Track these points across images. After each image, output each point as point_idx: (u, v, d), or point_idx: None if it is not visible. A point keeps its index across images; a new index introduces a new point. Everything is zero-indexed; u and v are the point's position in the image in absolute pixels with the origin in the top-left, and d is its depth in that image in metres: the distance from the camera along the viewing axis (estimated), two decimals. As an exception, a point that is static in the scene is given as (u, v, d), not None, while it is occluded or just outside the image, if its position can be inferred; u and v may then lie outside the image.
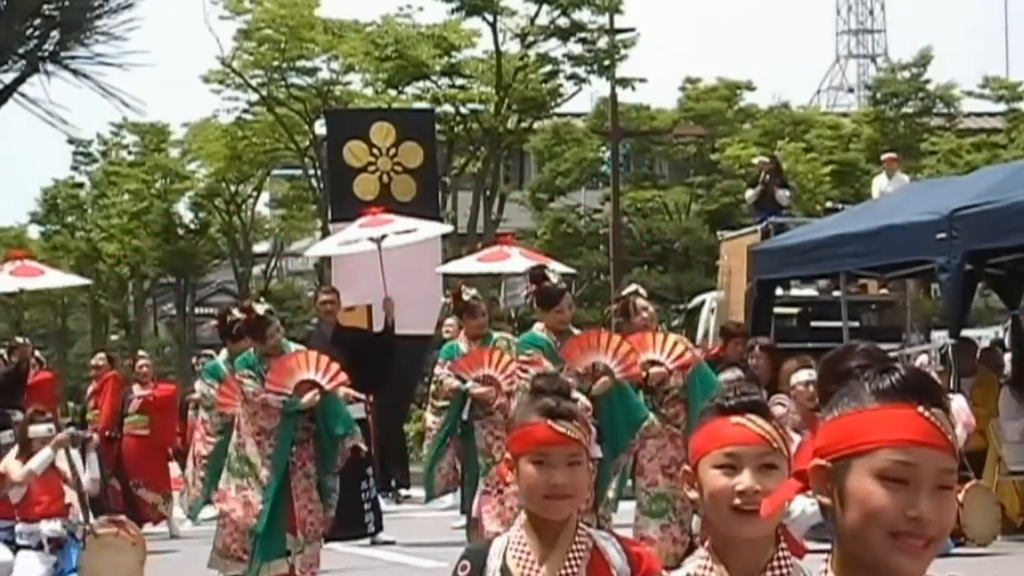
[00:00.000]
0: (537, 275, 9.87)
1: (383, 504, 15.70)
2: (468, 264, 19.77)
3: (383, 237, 15.82)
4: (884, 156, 24.03)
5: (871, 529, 2.24)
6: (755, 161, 26.23)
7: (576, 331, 9.87)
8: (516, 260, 18.05)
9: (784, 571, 2.80)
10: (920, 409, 2.26)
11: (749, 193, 22.90)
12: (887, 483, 2.24)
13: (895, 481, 2.24)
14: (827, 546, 2.37)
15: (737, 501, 2.77)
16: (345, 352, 11.38)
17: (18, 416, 12.40)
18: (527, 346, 9.68)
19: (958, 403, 11.88)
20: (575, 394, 3.87)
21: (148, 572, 11.26)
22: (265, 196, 50.10)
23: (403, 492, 19.54)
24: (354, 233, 16.56)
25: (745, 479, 2.77)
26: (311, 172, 40.56)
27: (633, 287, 11.22)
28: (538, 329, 9.72)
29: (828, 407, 2.35)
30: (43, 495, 10.99)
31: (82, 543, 10.82)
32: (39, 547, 10.87)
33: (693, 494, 2.91)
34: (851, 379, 2.34)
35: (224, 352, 12.15)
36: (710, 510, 2.83)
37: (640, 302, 10.66)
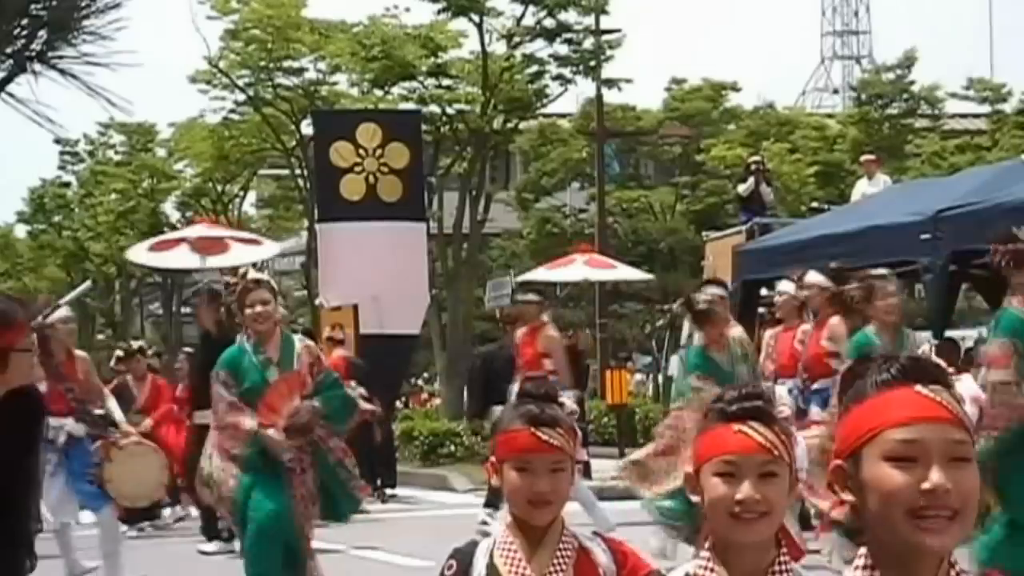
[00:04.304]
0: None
1: (369, 504, 15.66)
2: (542, 272, 20.33)
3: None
4: (863, 158, 23.97)
5: (891, 511, 2.28)
6: (747, 158, 26.57)
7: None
8: (578, 267, 18.26)
9: (784, 575, 2.82)
10: (918, 388, 2.30)
11: (742, 187, 23.26)
12: (897, 463, 2.28)
13: (904, 460, 2.27)
14: (817, 545, 2.41)
15: (736, 509, 2.79)
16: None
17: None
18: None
19: (966, 382, 11.90)
20: (562, 398, 3.85)
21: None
22: (252, 196, 50.03)
23: (389, 492, 19.51)
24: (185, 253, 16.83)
25: (745, 489, 2.78)
26: (298, 172, 40.49)
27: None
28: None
29: (838, 414, 2.40)
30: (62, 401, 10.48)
31: (102, 455, 10.40)
32: (52, 441, 10.09)
33: (695, 497, 2.92)
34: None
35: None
36: (710, 516, 2.84)
37: (704, 296, 10.73)
